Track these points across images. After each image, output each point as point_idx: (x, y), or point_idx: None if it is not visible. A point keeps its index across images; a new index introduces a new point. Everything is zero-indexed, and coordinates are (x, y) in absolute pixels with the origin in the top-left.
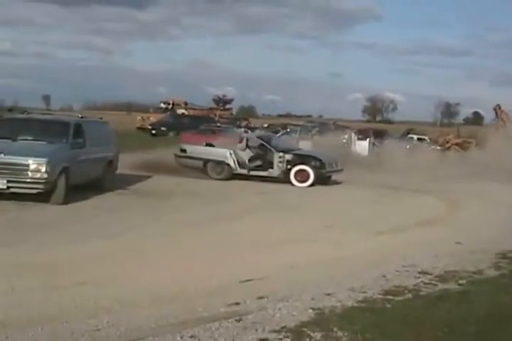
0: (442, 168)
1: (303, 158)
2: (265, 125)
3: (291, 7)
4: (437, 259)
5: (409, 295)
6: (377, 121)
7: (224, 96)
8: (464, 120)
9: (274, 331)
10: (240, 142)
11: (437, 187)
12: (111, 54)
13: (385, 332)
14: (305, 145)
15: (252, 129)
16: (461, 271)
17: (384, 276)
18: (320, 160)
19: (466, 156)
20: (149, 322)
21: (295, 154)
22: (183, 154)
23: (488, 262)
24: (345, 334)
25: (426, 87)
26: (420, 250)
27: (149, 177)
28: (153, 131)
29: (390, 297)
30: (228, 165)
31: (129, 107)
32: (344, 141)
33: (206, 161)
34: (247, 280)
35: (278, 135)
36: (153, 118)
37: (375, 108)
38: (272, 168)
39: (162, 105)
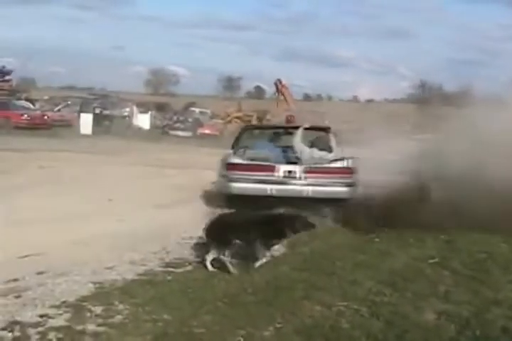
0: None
1: None
2: (46, 97)
3: None
4: None
5: (190, 267)
6: (160, 94)
7: (3, 67)
8: (246, 94)
9: (54, 306)
10: None
11: None
12: None
13: (166, 305)
14: (86, 118)
15: (33, 102)
16: None
17: (164, 249)
18: None
19: None
20: None
21: None
22: None
23: None
24: (126, 307)
25: (210, 61)
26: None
27: None
28: None
29: (170, 269)
30: None
31: None
32: (126, 114)
33: None
34: (26, 256)
35: (57, 108)
36: None
37: (158, 81)
38: None
39: None
